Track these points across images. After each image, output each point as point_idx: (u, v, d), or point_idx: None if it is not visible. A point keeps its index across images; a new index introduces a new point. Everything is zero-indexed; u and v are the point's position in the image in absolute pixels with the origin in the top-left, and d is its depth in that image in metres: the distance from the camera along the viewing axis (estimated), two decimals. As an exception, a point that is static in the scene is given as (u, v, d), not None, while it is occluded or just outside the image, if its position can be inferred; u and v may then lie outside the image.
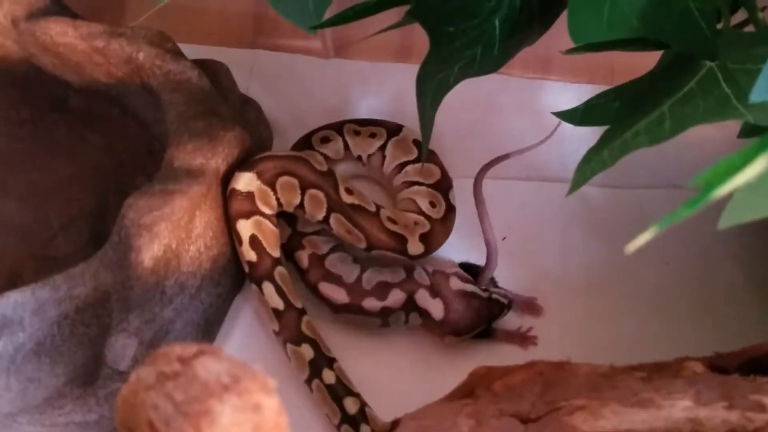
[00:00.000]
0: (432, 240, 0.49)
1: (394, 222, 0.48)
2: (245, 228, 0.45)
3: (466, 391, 0.37)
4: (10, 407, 0.38)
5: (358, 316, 0.47)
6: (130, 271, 0.38)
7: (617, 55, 0.50)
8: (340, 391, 0.45)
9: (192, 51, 0.48)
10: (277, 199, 0.46)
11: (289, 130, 0.55)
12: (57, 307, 0.37)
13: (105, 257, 0.38)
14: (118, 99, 0.48)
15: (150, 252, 0.38)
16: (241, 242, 0.45)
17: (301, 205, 0.47)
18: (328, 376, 0.45)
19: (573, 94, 0.56)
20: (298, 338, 0.46)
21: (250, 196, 0.45)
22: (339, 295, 0.47)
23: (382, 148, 0.52)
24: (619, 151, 0.38)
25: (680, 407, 0.31)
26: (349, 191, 0.47)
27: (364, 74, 0.57)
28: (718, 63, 0.37)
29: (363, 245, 0.47)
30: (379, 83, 0.57)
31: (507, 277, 0.50)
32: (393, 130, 0.52)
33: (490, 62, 0.42)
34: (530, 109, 0.56)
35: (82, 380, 0.40)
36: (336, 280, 0.47)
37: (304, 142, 0.52)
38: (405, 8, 0.37)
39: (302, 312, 0.47)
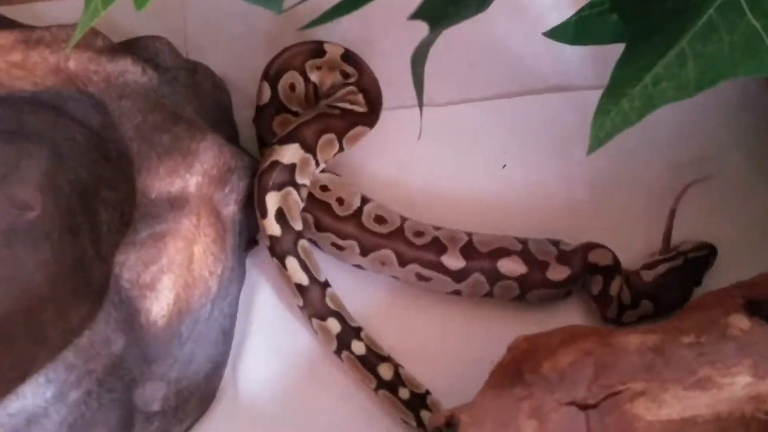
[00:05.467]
0: None
1: None
2: (273, 200, 0.43)
3: (513, 372, 0.37)
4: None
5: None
6: (143, 332, 0.35)
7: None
8: (372, 359, 0.45)
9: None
10: (316, 161, 0.45)
11: (245, 83, 0.49)
12: (77, 387, 0.35)
13: (110, 319, 0.35)
14: (50, 104, 0.42)
15: (160, 311, 0.35)
16: (265, 215, 0.43)
17: (340, 150, 0.47)
18: (358, 347, 0.45)
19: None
20: (324, 312, 0.45)
21: (291, 167, 0.44)
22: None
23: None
24: (644, 105, 0.35)
25: (741, 384, 0.32)
26: None
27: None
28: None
29: None
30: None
31: (511, 207, 0.48)
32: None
33: (483, 8, 0.37)
34: (509, 8, 0.51)
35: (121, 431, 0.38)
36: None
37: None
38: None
39: (326, 285, 0.45)
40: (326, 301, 0.45)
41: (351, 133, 0.47)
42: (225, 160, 0.39)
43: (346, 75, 0.49)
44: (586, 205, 0.48)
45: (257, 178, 0.44)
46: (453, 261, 0.45)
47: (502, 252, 0.45)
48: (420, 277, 0.46)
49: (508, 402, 0.35)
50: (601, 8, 0.40)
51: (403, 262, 0.45)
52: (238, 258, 0.44)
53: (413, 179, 0.50)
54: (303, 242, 0.45)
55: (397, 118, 0.50)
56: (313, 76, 0.49)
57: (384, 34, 0.50)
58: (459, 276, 0.45)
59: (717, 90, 0.51)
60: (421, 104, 0.39)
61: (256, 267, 0.47)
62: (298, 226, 0.45)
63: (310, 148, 0.45)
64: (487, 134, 0.51)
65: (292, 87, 0.48)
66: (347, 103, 0.47)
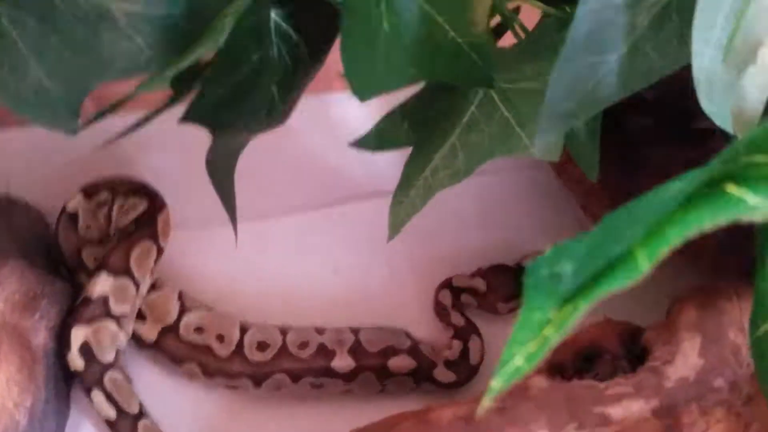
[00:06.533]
0: None
1: None
2: (79, 335, 0.42)
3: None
4: None
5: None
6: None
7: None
8: None
9: None
10: (136, 284, 0.44)
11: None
12: None
13: None
14: None
15: (-45, 449, 0.33)
16: (68, 349, 0.42)
17: (159, 253, 0.46)
18: None
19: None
20: None
21: (103, 299, 0.43)
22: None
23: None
24: (426, 193, 0.39)
25: (539, 439, 0.33)
26: None
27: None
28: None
29: None
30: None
31: (347, 304, 0.50)
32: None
33: (277, 118, 0.40)
34: (323, 124, 0.55)
35: None
36: None
37: None
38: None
39: (138, 417, 0.44)
40: None
41: (159, 228, 0.47)
42: (29, 284, 0.38)
43: (104, 203, 0.48)
44: (411, 292, 0.51)
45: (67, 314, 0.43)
46: (343, 363, 0.45)
47: (391, 350, 0.46)
48: (313, 386, 0.46)
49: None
50: (394, 118, 0.44)
51: (295, 379, 0.45)
52: (57, 390, 0.42)
53: (248, 289, 0.51)
54: (112, 374, 0.44)
55: (227, 232, 0.52)
56: (94, 232, 0.48)
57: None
58: (349, 377, 0.45)
59: (516, 180, 0.57)
60: (232, 213, 0.41)
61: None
62: (108, 357, 0.44)
63: (121, 270, 0.44)
64: (317, 240, 0.53)
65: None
66: (130, 212, 0.47)
